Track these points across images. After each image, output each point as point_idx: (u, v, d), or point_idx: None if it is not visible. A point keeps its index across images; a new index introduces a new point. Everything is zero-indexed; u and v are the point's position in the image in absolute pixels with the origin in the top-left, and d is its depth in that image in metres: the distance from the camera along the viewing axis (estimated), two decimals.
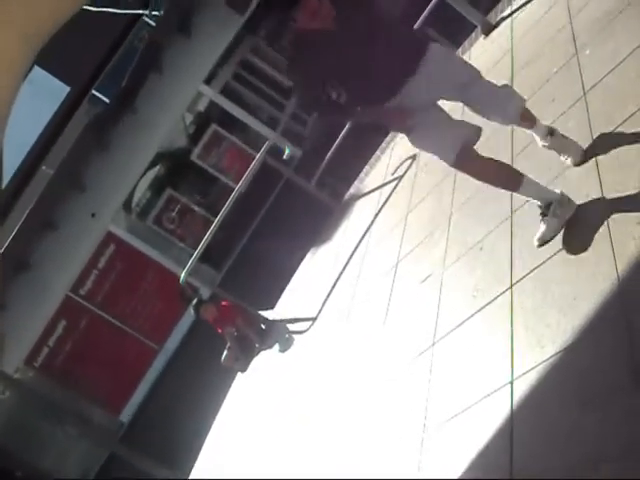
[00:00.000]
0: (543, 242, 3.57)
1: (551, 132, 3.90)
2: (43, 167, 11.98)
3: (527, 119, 3.87)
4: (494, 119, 3.82)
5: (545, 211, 3.56)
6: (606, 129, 3.73)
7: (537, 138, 3.99)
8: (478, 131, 3.62)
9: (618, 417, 2.43)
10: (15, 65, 1.01)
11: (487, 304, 3.78)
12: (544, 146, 3.95)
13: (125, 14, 11.69)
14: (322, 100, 3.60)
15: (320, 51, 3.39)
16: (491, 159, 3.70)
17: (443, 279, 4.55)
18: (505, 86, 3.86)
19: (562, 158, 3.88)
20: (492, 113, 3.74)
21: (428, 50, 3.51)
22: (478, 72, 3.68)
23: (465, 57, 7.75)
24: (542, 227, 3.57)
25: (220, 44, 13.47)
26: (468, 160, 3.57)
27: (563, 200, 3.52)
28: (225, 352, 9.22)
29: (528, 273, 3.57)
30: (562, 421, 2.70)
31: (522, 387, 3.05)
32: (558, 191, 3.57)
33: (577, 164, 3.79)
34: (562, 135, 3.90)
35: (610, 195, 3.30)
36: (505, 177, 3.69)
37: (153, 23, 12.35)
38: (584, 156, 3.76)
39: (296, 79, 3.69)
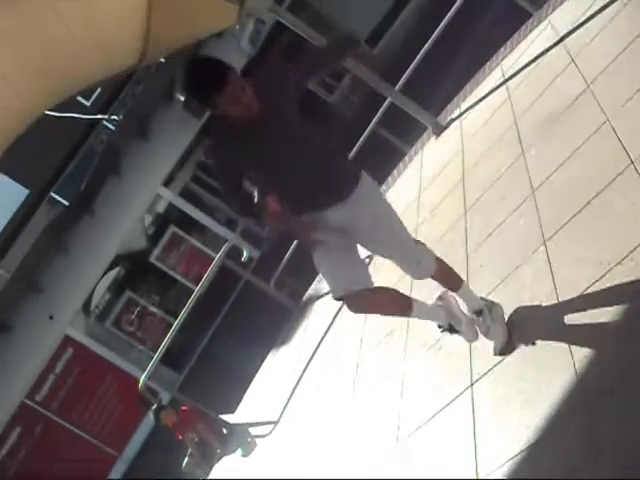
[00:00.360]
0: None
1: (479, 312, 3.62)
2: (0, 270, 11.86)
3: (443, 278, 3.67)
4: (405, 271, 3.64)
5: (448, 329, 3.66)
6: (555, 226, 3.83)
7: (461, 303, 3.70)
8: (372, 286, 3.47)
9: None
10: None
11: (448, 403, 3.76)
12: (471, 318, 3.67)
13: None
14: (237, 193, 3.38)
15: (240, 143, 3.17)
16: (378, 291, 3.54)
17: (404, 379, 4.53)
18: (418, 243, 3.60)
19: (486, 339, 3.64)
20: (402, 268, 3.60)
21: (361, 181, 3.37)
22: (400, 223, 3.54)
23: (417, 158, 7.97)
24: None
25: (178, 147, 13.70)
26: (354, 301, 3.48)
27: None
28: (186, 458, 8.98)
29: (488, 371, 3.57)
30: None
31: None
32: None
33: (499, 353, 3.56)
34: (491, 318, 3.58)
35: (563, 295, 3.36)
36: (394, 307, 3.65)
37: (112, 127, 12.54)
38: (508, 348, 3.53)
39: (213, 166, 3.41)
